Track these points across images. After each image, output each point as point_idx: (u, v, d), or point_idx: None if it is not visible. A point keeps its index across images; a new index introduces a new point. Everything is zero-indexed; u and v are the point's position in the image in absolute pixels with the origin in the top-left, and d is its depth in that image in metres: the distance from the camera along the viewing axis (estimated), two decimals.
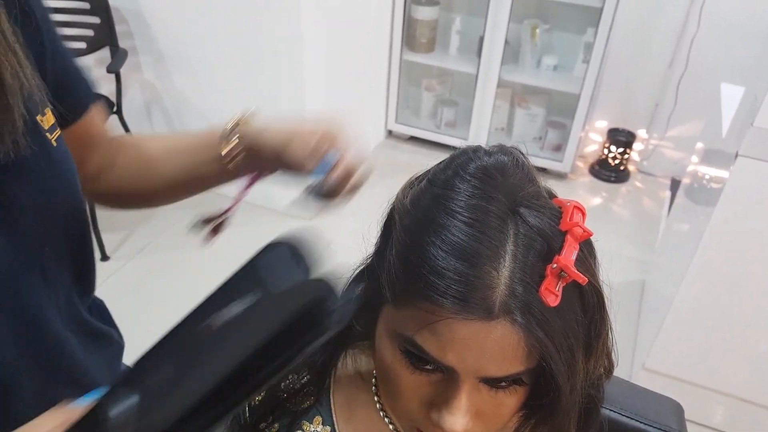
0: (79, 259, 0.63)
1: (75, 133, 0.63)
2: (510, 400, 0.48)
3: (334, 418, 0.62)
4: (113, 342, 0.76)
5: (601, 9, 2.39)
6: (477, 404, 0.47)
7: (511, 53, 2.75)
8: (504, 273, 0.42)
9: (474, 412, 0.47)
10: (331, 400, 0.62)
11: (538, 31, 2.68)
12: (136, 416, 0.34)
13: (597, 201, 2.79)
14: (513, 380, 0.46)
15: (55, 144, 0.54)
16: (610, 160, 2.86)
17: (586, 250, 0.47)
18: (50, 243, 0.56)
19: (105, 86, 2.35)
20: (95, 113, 0.66)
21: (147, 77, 2.43)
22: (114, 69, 2.19)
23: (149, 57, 2.37)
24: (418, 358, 0.46)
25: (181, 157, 0.70)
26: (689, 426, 1.79)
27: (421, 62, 2.86)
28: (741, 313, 1.56)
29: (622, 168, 2.87)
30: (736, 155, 1.35)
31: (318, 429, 0.61)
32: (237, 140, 0.65)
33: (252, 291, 0.34)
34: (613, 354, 0.53)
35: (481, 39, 2.63)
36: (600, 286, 0.47)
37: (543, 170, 2.87)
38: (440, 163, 0.51)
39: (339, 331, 0.57)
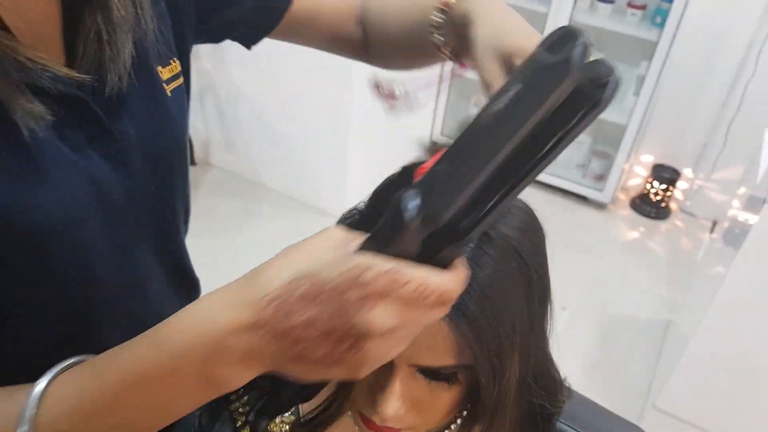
0: (183, 209, 0.66)
1: (299, 21, 0.71)
2: (446, 395, 0.50)
3: None
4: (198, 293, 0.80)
5: (656, 43, 2.37)
6: (412, 393, 0.50)
7: None
8: None
9: (409, 400, 0.50)
10: None
11: None
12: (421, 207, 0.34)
13: (634, 235, 2.74)
14: (449, 374, 0.48)
15: (170, 94, 0.57)
16: (652, 196, 2.80)
17: (531, 232, 0.49)
18: (156, 183, 0.57)
19: None
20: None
21: (204, 65, 2.54)
22: None
23: (208, 46, 2.47)
24: None
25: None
26: None
27: (474, 78, 2.86)
28: (757, 360, 1.52)
29: (663, 205, 2.81)
30: (765, 201, 1.32)
31: None
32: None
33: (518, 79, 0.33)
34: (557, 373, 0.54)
35: None
36: (547, 277, 0.49)
37: (583, 198, 2.84)
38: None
39: None
